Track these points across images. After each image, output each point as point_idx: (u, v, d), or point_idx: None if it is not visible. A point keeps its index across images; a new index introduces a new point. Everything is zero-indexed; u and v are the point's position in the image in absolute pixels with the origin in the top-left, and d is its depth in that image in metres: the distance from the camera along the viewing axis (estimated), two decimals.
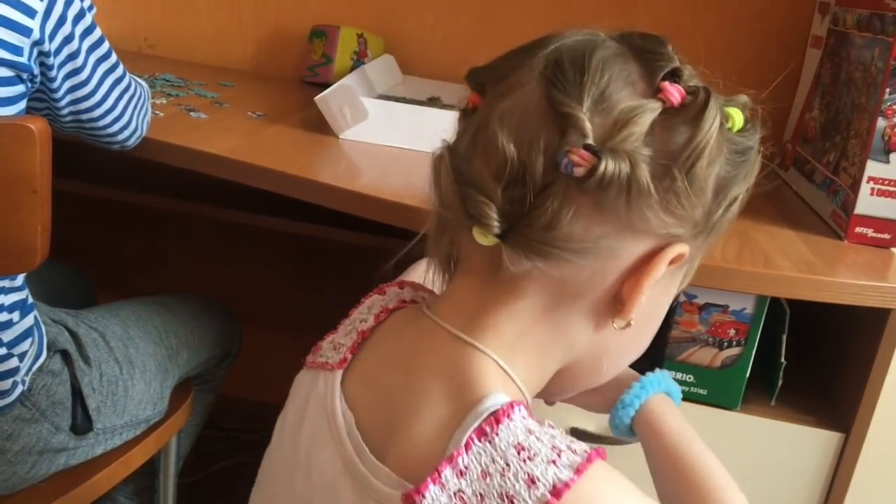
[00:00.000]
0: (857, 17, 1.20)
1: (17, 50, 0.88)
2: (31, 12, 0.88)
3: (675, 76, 0.54)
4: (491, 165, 0.53)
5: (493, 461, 0.49)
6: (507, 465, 0.49)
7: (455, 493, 0.49)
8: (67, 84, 0.97)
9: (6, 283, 0.94)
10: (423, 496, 0.49)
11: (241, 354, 1.43)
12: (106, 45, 1.01)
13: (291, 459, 0.61)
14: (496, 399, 0.52)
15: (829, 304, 0.99)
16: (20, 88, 0.90)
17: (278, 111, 1.44)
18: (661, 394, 0.73)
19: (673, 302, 0.74)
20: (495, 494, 0.48)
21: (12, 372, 0.96)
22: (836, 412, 1.08)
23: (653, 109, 0.52)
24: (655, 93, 0.53)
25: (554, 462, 0.49)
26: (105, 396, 1.05)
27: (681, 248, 0.55)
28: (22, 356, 0.97)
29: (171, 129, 1.22)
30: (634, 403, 0.72)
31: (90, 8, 0.98)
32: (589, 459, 0.49)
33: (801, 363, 1.11)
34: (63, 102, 0.98)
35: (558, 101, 0.52)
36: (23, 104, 0.92)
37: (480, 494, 0.49)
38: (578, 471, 0.48)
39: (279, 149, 1.23)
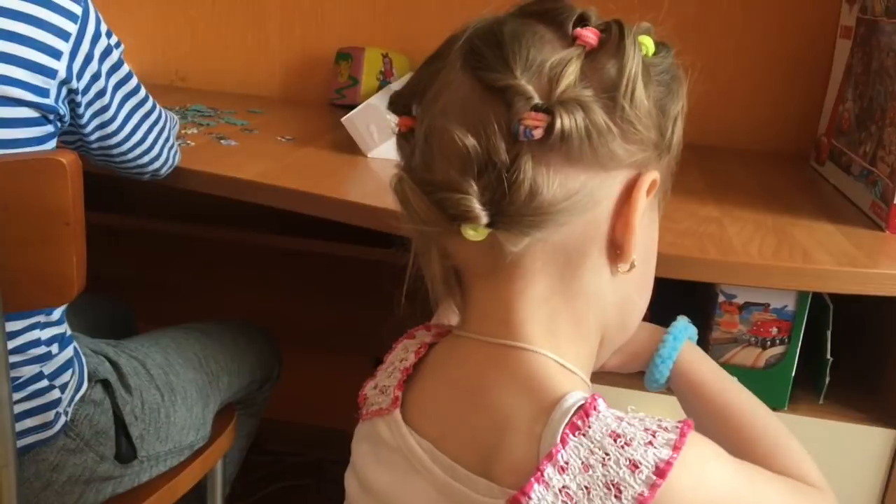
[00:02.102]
0: (885, 4, 1.18)
1: (43, 92, 0.89)
2: (56, 54, 0.90)
3: (583, 21, 0.56)
4: (454, 163, 0.54)
5: (592, 452, 0.51)
6: (607, 454, 0.50)
7: (560, 490, 0.50)
8: (96, 121, 0.99)
9: (42, 318, 0.95)
10: (529, 496, 0.50)
11: (283, 377, 1.43)
12: (134, 81, 1.03)
13: None
14: (576, 395, 0.54)
15: (874, 296, 0.96)
16: (49, 129, 0.92)
17: (307, 134, 1.45)
18: (688, 341, 0.74)
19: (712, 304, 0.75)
20: (601, 484, 0.50)
21: (55, 403, 0.97)
22: (888, 408, 1.05)
23: (577, 56, 0.54)
24: (572, 41, 0.55)
25: (651, 443, 0.50)
26: (147, 424, 1.06)
27: (652, 175, 0.57)
28: (63, 387, 0.98)
29: (202, 157, 1.24)
30: (672, 355, 0.73)
31: (117, 45, 1.00)
32: (682, 434, 0.51)
33: (847, 359, 1.08)
34: (92, 137, 1.00)
35: (491, 80, 0.53)
36: (52, 143, 0.94)
37: (586, 487, 0.50)
38: (676, 447, 0.50)
39: (309, 171, 1.24)
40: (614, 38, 0.55)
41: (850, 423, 1.04)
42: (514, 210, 0.52)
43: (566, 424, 0.52)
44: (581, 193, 0.54)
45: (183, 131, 1.36)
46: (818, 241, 1.04)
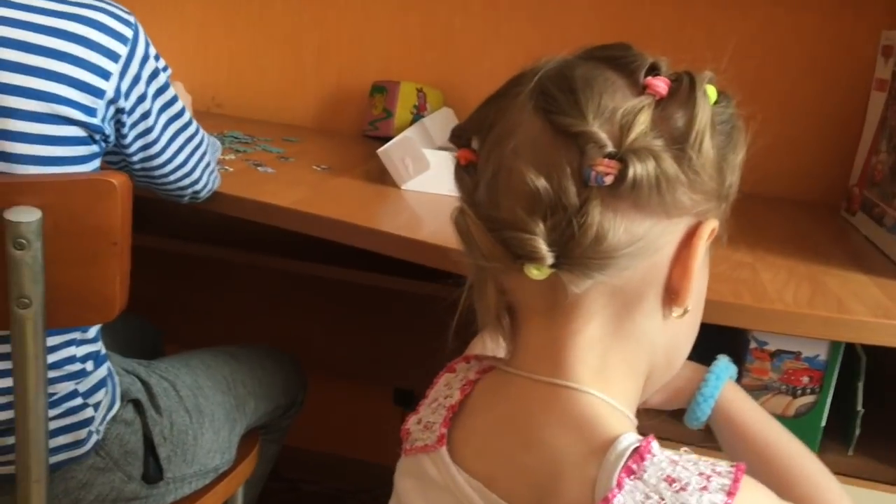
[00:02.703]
0: None
1: (91, 111, 0.91)
2: (105, 74, 0.92)
3: (654, 70, 0.57)
4: (523, 203, 0.54)
5: (648, 497, 0.51)
6: (662, 498, 0.50)
7: None
8: (140, 142, 1.01)
9: (78, 335, 0.96)
10: None
11: (306, 404, 1.43)
12: (179, 105, 1.05)
13: None
14: (629, 437, 0.54)
15: None
16: (94, 148, 0.94)
17: (342, 164, 1.47)
18: (729, 380, 0.76)
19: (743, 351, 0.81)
20: None
21: (88, 422, 0.98)
22: None
23: (648, 105, 0.54)
24: (642, 90, 0.56)
25: (705, 488, 0.50)
26: (175, 446, 1.07)
27: (712, 223, 0.58)
28: (97, 406, 0.99)
29: (240, 183, 1.26)
30: (714, 394, 0.74)
31: (165, 69, 1.02)
32: (736, 479, 0.51)
33: (878, 411, 1.08)
34: (135, 158, 1.02)
35: (564, 125, 0.54)
36: (96, 163, 0.96)
37: None
38: (730, 493, 0.50)
39: (344, 200, 1.25)
40: (684, 88, 0.56)
41: (878, 487, 1.03)
42: (579, 252, 0.53)
43: (621, 468, 0.52)
44: (645, 240, 0.55)
45: (221, 157, 1.38)
46: (852, 292, 1.04)
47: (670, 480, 0.51)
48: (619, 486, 0.51)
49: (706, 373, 0.75)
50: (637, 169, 0.52)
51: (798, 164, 1.60)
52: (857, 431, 1.05)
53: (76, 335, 0.96)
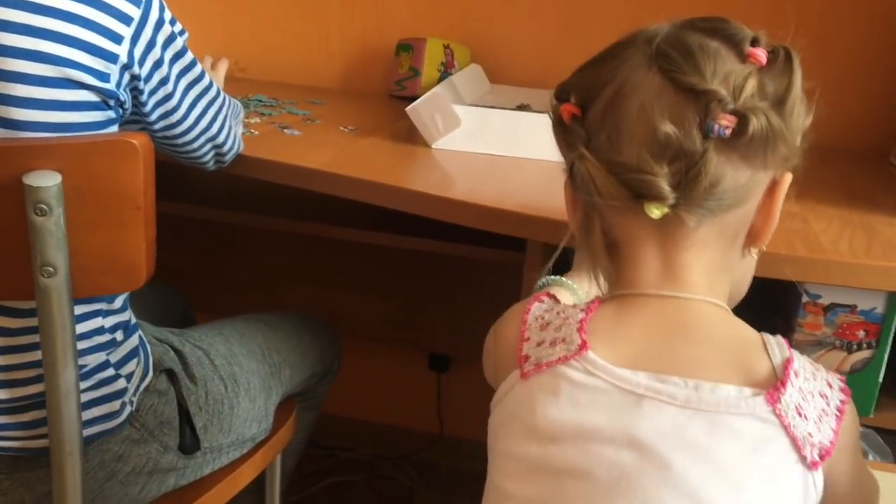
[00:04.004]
0: None
1: (104, 76, 0.88)
2: (118, 38, 0.88)
3: (755, 42, 0.66)
4: (649, 148, 0.63)
5: (805, 368, 0.65)
6: (816, 370, 0.66)
7: (799, 389, 0.63)
8: (160, 110, 0.98)
9: (104, 306, 0.94)
10: (784, 390, 0.62)
11: (341, 371, 1.41)
12: (198, 69, 1.02)
13: (599, 449, 0.63)
14: (766, 334, 0.67)
15: None
16: (110, 114, 0.91)
17: (369, 125, 1.43)
18: None
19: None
20: (817, 393, 0.64)
21: (121, 393, 0.96)
22: None
23: (753, 71, 0.64)
24: (745, 59, 0.64)
25: (829, 373, 0.67)
26: (211, 415, 1.05)
27: (790, 176, 0.68)
28: (129, 377, 0.97)
29: (265, 146, 1.22)
30: None
31: (181, 32, 0.98)
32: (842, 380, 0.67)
33: None
34: (157, 126, 0.99)
35: (689, 83, 0.62)
36: (114, 129, 0.92)
37: (811, 392, 0.64)
38: (844, 390, 0.66)
39: (374, 161, 1.22)
40: (781, 59, 0.66)
41: None
42: (696, 194, 0.62)
43: (784, 346, 0.65)
44: (747, 186, 0.65)
45: (246, 120, 1.35)
46: None
47: (811, 363, 0.66)
48: (791, 351, 0.65)
49: None
50: (754, 123, 0.61)
51: (843, 111, 1.53)
52: None
53: (102, 305, 0.94)
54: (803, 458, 0.62)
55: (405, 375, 1.90)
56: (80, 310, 0.90)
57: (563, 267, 0.86)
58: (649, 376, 0.63)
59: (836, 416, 0.64)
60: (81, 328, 0.91)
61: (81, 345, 0.91)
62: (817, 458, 0.62)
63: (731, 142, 0.62)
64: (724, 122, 0.61)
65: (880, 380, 1.02)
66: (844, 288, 0.97)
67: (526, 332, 0.69)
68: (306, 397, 1.31)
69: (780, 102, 0.64)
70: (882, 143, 1.46)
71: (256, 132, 1.30)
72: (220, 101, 1.07)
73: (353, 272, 1.77)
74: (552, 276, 0.86)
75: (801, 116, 0.66)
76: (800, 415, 0.62)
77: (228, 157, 1.13)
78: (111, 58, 0.88)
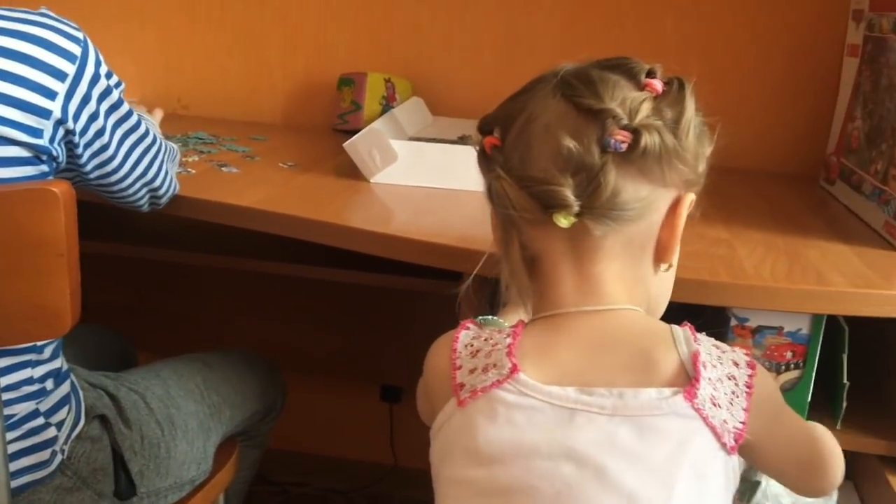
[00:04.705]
0: (893, 21, 1.16)
1: (36, 132, 0.87)
2: (51, 94, 0.88)
3: (651, 74, 0.72)
4: (554, 163, 0.68)
5: (710, 355, 0.69)
6: (719, 358, 0.70)
7: (709, 380, 0.67)
8: (95, 161, 0.97)
9: (34, 357, 0.93)
10: (699, 382, 0.67)
11: (289, 406, 1.41)
12: (134, 118, 1.02)
13: (540, 465, 0.66)
14: (675, 326, 0.71)
15: (890, 319, 0.93)
16: (43, 168, 0.90)
17: (310, 160, 1.44)
18: None
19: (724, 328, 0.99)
20: (724, 377, 0.69)
21: (51, 442, 0.95)
22: None
23: (648, 98, 0.70)
24: (642, 88, 0.71)
25: (734, 351, 0.72)
26: (147, 459, 1.04)
27: (692, 196, 0.73)
28: (60, 425, 0.96)
29: (202, 185, 1.22)
30: None
31: (117, 85, 0.98)
32: (746, 353, 0.72)
33: (863, 382, 1.05)
34: (91, 175, 0.99)
35: (587, 104, 0.69)
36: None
37: (719, 379, 0.68)
38: (751, 365, 0.71)
39: (310, 197, 1.22)
40: (675, 88, 0.71)
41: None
42: (599, 203, 0.67)
43: (690, 336, 0.70)
44: (647, 200, 0.70)
45: (183, 159, 1.35)
46: (831, 263, 1.02)
47: (715, 346, 0.71)
48: (697, 342, 0.69)
49: None
50: (646, 139, 0.67)
51: (773, 136, 1.58)
52: (844, 404, 1.03)
53: (31, 356, 0.92)
54: (723, 445, 0.67)
55: (357, 408, 1.89)
56: (7, 361, 0.89)
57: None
58: (577, 390, 0.67)
59: (746, 393, 0.69)
60: (9, 380, 0.90)
61: (9, 395, 0.90)
62: (734, 443, 0.67)
63: (628, 156, 0.67)
64: (620, 138, 0.67)
65: (809, 399, 1.04)
66: (771, 311, 1.00)
67: (457, 361, 0.72)
68: (249, 436, 1.30)
69: (674, 124, 0.70)
70: (812, 167, 1.51)
71: (193, 171, 1.30)
72: (155, 147, 1.07)
73: (301, 307, 1.76)
74: (486, 317, 0.87)
75: (697, 140, 0.72)
76: (714, 405, 0.67)
77: (164, 200, 1.13)
78: (44, 114, 0.87)
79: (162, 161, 1.09)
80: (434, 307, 1.62)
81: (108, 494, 1.00)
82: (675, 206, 0.72)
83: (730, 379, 0.69)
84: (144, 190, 1.07)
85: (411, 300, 1.61)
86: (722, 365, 0.69)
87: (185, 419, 1.10)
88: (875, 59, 1.23)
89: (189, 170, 1.30)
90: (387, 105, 1.64)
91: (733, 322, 1.03)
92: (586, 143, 0.67)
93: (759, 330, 1.02)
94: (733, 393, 0.68)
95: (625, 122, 0.67)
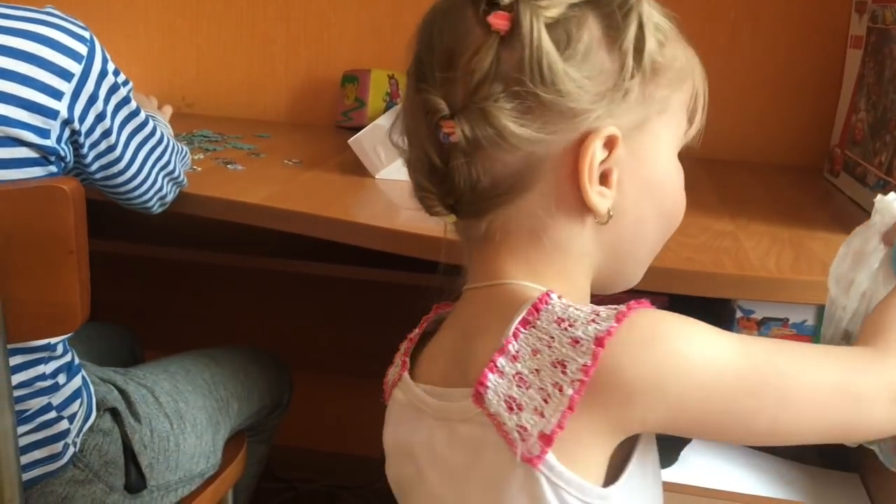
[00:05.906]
0: None
1: (43, 133, 0.87)
2: (57, 94, 0.88)
3: (491, 4, 0.56)
4: (419, 169, 0.61)
5: (539, 339, 0.55)
6: (552, 337, 0.54)
7: (514, 376, 0.54)
8: (101, 161, 0.97)
9: (46, 354, 0.94)
10: (486, 386, 0.55)
11: (295, 403, 1.41)
12: (142, 116, 1.02)
13: (403, 463, 0.65)
14: (533, 293, 0.58)
15: None
16: (51, 169, 0.90)
17: (314, 157, 1.44)
18: None
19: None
20: (548, 364, 0.53)
21: (63, 434, 0.96)
22: None
23: (490, 45, 0.56)
24: (487, 28, 0.56)
25: (594, 321, 0.54)
26: (157, 453, 1.04)
27: (606, 131, 0.57)
28: (72, 418, 0.97)
29: (208, 182, 1.23)
30: None
31: (125, 83, 0.98)
32: (629, 308, 0.54)
33: None
34: (97, 175, 1.00)
35: (420, 90, 0.59)
36: None
37: (536, 370, 0.54)
38: (618, 318, 0.53)
39: (316, 193, 1.23)
40: (518, 18, 0.55)
41: None
42: (464, 199, 0.59)
43: (519, 321, 0.56)
44: (515, 177, 0.58)
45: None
46: (836, 254, 1.02)
47: (559, 321, 0.54)
48: (516, 336, 0.55)
49: None
50: (465, 129, 0.56)
51: (777, 129, 1.58)
52: None
53: (44, 353, 0.93)
54: (518, 456, 0.53)
55: (363, 404, 1.89)
56: (20, 359, 0.90)
57: None
58: (424, 389, 0.62)
59: (580, 380, 0.52)
60: (22, 377, 0.91)
61: (23, 391, 0.91)
62: (537, 452, 0.53)
63: (468, 145, 0.56)
64: (446, 130, 0.57)
65: None
66: (776, 302, 1.00)
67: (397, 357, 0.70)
68: (257, 431, 1.31)
69: (521, 73, 0.55)
70: (816, 159, 1.51)
71: (199, 169, 1.31)
72: (163, 145, 1.07)
73: (308, 304, 1.77)
74: None
75: (585, 60, 0.56)
76: (511, 408, 0.54)
77: (169, 199, 1.13)
78: (51, 114, 0.88)
79: (168, 161, 1.09)
80: (434, 300, 1.63)
81: (119, 487, 1.01)
82: (575, 156, 0.57)
83: (556, 366, 0.53)
84: (152, 192, 1.07)
85: (419, 296, 1.62)
86: (550, 350, 0.53)
87: (194, 413, 1.11)
88: (879, 50, 1.24)
89: (195, 167, 1.31)
90: (391, 101, 1.65)
91: (739, 314, 1.03)
92: (425, 142, 0.59)
93: (764, 322, 1.03)
94: (555, 385, 0.52)
95: (445, 111, 0.57)
